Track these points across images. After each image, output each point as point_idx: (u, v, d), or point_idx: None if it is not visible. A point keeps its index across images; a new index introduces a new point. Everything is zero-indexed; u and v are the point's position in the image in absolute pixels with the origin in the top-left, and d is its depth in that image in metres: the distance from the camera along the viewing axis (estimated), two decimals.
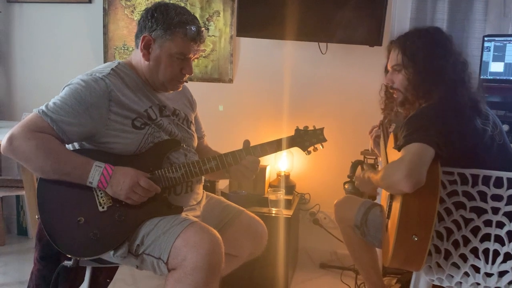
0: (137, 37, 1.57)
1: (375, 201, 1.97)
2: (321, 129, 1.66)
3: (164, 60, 1.53)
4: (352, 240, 1.87)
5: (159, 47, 1.52)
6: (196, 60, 2.71)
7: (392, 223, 1.46)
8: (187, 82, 1.68)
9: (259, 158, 1.61)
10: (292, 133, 1.67)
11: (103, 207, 1.45)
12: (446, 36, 1.61)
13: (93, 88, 1.45)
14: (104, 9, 2.83)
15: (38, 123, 1.40)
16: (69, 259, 1.50)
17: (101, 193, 1.45)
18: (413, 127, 1.44)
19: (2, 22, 2.97)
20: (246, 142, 1.62)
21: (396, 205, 1.44)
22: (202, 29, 1.55)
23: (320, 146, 1.66)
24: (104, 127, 1.46)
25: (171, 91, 1.64)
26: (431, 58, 1.55)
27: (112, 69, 1.53)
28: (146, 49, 1.53)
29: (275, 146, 1.62)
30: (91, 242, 1.42)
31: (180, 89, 1.65)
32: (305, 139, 1.64)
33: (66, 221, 1.44)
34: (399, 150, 1.43)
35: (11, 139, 1.38)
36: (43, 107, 1.43)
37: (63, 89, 1.48)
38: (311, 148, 1.65)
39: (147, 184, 1.44)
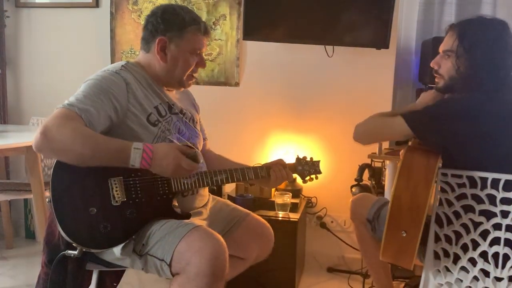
0: (147, 41, 1.59)
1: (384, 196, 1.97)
2: (318, 162, 1.74)
3: (182, 58, 1.58)
4: (364, 237, 1.86)
5: (175, 47, 1.56)
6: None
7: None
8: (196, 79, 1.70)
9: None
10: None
11: (116, 202, 1.44)
12: (510, 33, 1.52)
13: (112, 80, 1.47)
14: (111, 13, 2.85)
15: (67, 114, 1.36)
16: (75, 248, 1.46)
17: (116, 187, 1.44)
18: (427, 112, 1.48)
19: (11, 27, 3.00)
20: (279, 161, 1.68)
21: None
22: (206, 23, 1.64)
23: (315, 177, 1.73)
24: (125, 118, 1.47)
25: (185, 88, 1.68)
26: (489, 54, 1.48)
27: (122, 65, 1.55)
28: (163, 51, 1.57)
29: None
30: (99, 235, 1.42)
31: (192, 84, 1.70)
32: (304, 168, 1.71)
33: (77, 209, 1.42)
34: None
35: (45, 132, 1.32)
36: (66, 102, 1.40)
37: (81, 86, 1.47)
38: (308, 178, 1.72)
39: (189, 166, 1.41)
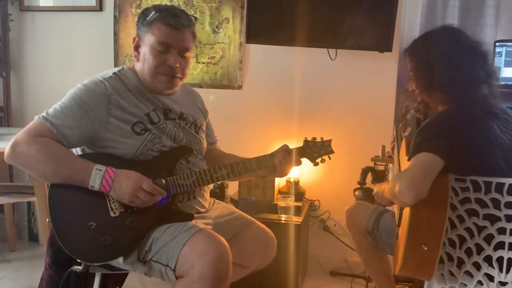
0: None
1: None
2: (329, 141, 1.66)
3: (147, 53, 1.53)
4: (363, 247, 1.85)
5: (143, 43, 1.55)
6: (205, 67, 2.75)
7: (402, 231, 1.44)
8: (176, 78, 1.57)
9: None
10: (301, 140, 1.66)
11: (114, 213, 1.44)
12: (454, 34, 1.55)
13: (92, 90, 1.48)
14: (114, 16, 2.86)
15: (39, 128, 1.43)
16: (80, 264, 1.49)
17: (113, 199, 1.45)
18: (425, 136, 1.42)
19: (15, 30, 3.01)
20: (285, 147, 1.61)
21: (405, 215, 1.41)
22: (185, 16, 1.54)
23: (328, 157, 1.66)
24: (103, 130, 1.47)
25: (166, 91, 1.59)
26: (437, 62, 1.50)
27: (114, 73, 1.55)
28: (136, 50, 1.57)
29: None
30: (101, 248, 1.42)
31: (172, 90, 1.60)
32: (313, 150, 1.64)
33: (77, 225, 1.43)
34: (408, 160, 1.41)
35: (14, 146, 1.40)
36: (43, 113, 1.46)
37: (66, 94, 1.51)
38: (319, 160, 1.65)
39: (150, 188, 1.42)
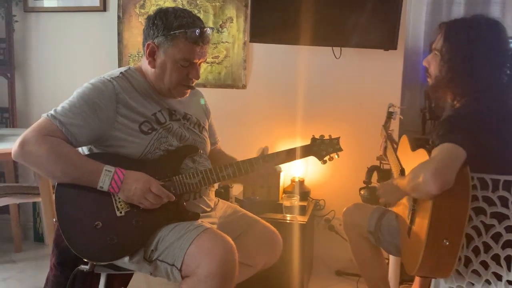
0: (143, 45, 1.57)
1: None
2: (337, 139, 1.65)
3: (169, 66, 1.52)
4: (362, 250, 1.82)
5: (163, 53, 1.52)
6: (209, 67, 2.75)
7: (420, 228, 1.41)
8: (193, 88, 1.65)
9: (279, 166, 1.60)
10: (306, 139, 1.66)
11: (120, 212, 1.44)
12: (498, 34, 1.49)
13: (100, 90, 1.47)
14: (118, 17, 2.86)
15: (48, 126, 1.42)
16: (86, 263, 1.49)
17: (119, 198, 1.45)
18: (449, 128, 1.40)
19: (19, 31, 3.02)
20: (265, 149, 1.60)
21: (423, 210, 1.39)
22: (205, 29, 1.51)
23: (336, 155, 1.64)
24: (112, 129, 1.47)
25: (178, 98, 1.62)
26: (470, 57, 1.46)
27: (121, 72, 1.55)
28: (151, 57, 1.53)
29: (291, 154, 1.61)
30: (108, 247, 1.42)
31: (187, 95, 1.63)
32: (321, 148, 1.63)
33: (83, 225, 1.44)
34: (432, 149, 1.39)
35: (22, 144, 1.40)
36: (51, 111, 1.45)
37: (74, 92, 1.50)
38: (327, 158, 1.64)
39: (159, 191, 1.43)
